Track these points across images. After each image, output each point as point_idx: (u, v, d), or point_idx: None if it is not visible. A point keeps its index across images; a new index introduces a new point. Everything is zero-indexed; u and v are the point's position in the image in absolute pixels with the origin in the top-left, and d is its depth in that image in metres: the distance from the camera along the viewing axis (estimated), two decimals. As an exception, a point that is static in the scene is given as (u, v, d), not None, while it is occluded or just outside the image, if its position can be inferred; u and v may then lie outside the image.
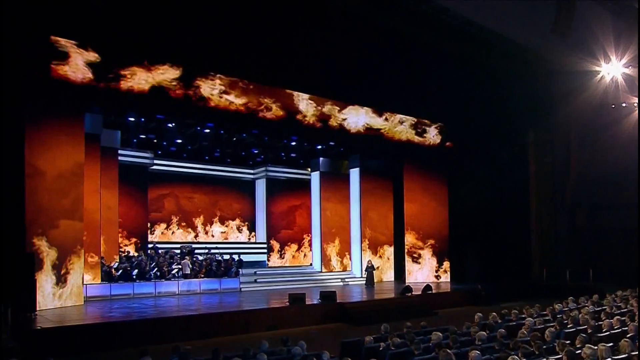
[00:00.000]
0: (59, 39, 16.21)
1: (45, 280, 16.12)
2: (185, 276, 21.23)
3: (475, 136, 24.76)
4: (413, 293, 19.37)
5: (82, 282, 17.53)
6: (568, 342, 8.33)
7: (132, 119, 21.57)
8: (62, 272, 16.67)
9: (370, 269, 22.99)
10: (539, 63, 21.60)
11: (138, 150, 24.60)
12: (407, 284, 20.61)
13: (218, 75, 19.40)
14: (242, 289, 21.85)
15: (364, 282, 23.59)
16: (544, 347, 8.25)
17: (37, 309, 15.43)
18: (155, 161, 25.75)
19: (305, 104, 21.81)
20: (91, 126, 20.06)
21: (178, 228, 27.71)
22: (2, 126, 15.33)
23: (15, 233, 15.33)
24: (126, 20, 16.73)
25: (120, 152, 23.03)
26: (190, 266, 21.68)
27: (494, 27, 19.65)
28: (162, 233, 27.22)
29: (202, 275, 21.75)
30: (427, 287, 19.88)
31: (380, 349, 8.82)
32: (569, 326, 10.41)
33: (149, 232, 25.93)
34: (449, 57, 21.43)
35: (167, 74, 18.18)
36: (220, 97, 19.55)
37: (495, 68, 22.37)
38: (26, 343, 12.21)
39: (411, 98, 23.57)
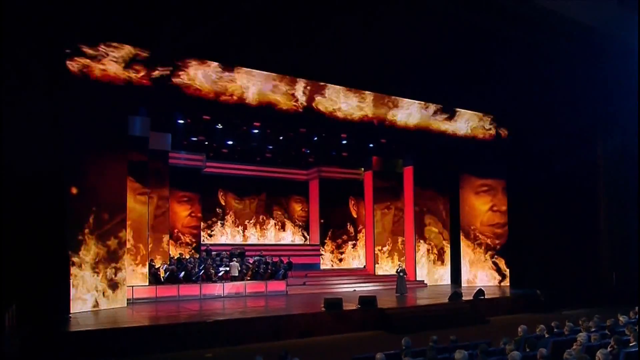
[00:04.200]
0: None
1: (84, 283, 15.46)
2: (233, 278, 20.20)
3: (536, 128, 22.24)
4: (464, 298, 17.34)
5: (125, 284, 16.89)
6: (623, 368, 6.37)
7: (181, 121, 20.77)
8: (103, 275, 16.03)
9: (401, 273, 19.79)
10: (606, 42, 18.91)
11: (190, 152, 23.90)
12: (456, 289, 18.40)
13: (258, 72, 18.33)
14: (290, 292, 20.55)
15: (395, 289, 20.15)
16: (592, 374, 6.32)
17: (73, 311, 14.87)
18: (208, 163, 25.01)
19: (352, 99, 20.32)
20: (140, 129, 19.61)
21: (232, 230, 26.80)
22: (43, 131, 14.78)
23: (52, 236, 14.69)
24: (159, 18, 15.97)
25: (172, 155, 22.57)
26: (239, 268, 20.63)
27: (554, 6, 17.40)
28: (215, 235, 26.36)
29: (249, 278, 20.64)
30: (480, 292, 17.75)
31: (388, 370, 7.15)
32: (631, 345, 8.27)
33: (202, 234, 25.20)
34: (506, 41, 19.29)
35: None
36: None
37: (556, 51, 19.86)
38: (48, 346, 11.63)
39: (467, 90, 21.51)
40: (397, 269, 19.67)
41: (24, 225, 13.60)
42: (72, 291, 15.14)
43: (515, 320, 15.13)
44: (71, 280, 15.11)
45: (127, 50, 15.87)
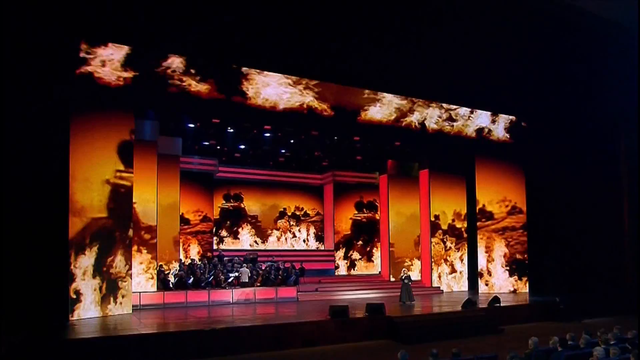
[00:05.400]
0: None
1: (87, 289, 14.95)
2: (243, 284, 19.54)
3: (556, 126, 21.08)
4: (480, 306, 16.36)
5: (130, 289, 16.27)
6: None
7: (191, 125, 20.29)
8: (107, 280, 15.47)
9: (406, 280, 17.95)
10: (628, 37, 17.81)
11: (202, 157, 23.44)
12: (470, 296, 17.30)
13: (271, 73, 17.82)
14: (301, 299, 19.80)
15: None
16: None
17: (74, 317, 14.37)
18: (220, 168, 24.51)
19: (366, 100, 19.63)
20: (148, 133, 19.25)
21: (245, 235, 26.17)
22: (46, 131, 14.36)
23: (49, 238, 14.16)
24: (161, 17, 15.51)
25: (184, 159, 22.21)
26: (249, 274, 19.94)
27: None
28: (228, 240, 25.76)
29: (259, 284, 19.95)
30: (495, 299, 16.72)
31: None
32: (652, 360, 7.33)
33: (215, 239, 24.65)
34: (525, 37, 18.39)
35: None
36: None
37: (577, 47, 18.81)
38: (43, 354, 11.10)
39: (485, 90, 20.63)
40: (402, 276, 18.28)
41: (18, 227, 13.15)
42: (73, 297, 14.63)
43: (532, 330, 14.27)
44: (72, 285, 14.58)
45: (130, 50, 15.48)
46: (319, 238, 27.73)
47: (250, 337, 12.78)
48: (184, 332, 12.62)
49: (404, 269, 18.21)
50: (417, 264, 24.50)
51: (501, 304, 16.72)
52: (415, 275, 23.52)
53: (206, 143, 22.39)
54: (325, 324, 13.72)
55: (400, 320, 14.22)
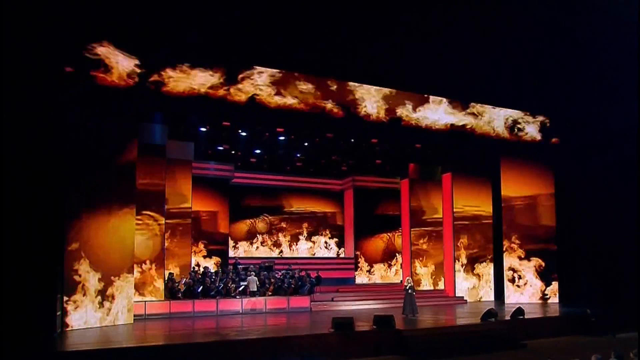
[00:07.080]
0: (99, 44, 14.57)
1: (84, 298, 14.20)
2: (252, 294, 18.41)
3: (585, 125, 19.50)
4: (500, 318, 14.81)
5: (129, 298, 15.40)
6: None
7: (203, 129, 19.49)
8: (107, 290, 14.74)
9: (410, 290, 16.22)
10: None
11: (218, 162, 22.65)
12: (491, 308, 15.60)
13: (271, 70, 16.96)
14: (316, 309, 18.57)
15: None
16: None
17: (67, 328, 13.61)
18: (236, 174, 23.61)
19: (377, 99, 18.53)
20: (156, 137, 18.57)
21: (263, 242, 25.14)
22: (45, 137, 13.65)
23: (46, 246, 13.34)
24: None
25: (198, 165, 21.61)
26: (258, 283, 18.80)
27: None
28: (246, 248, 24.78)
29: (270, 293, 18.80)
30: (518, 311, 15.07)
31: None
32: (693, 391, 5.84)
33: (230, 247, 23.69)
34: (550, 33, 17.03)
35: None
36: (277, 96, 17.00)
37: (604, 44, 17.25)
38: None
39: (507, 87, 19.18)
40: (406, 286, 16.50)
41: (12, 228, 12.38)
42: (71, 305, 13.86)
43: (558, 345, 12.79)
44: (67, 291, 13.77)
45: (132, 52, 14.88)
46: (339, 245, 26.52)
47: (243, 351, 11.66)
48: (172, 345, 11.63)
49: (407, 278, 16.70)
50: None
51: (525, 316, 15.09)
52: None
53: (220, 148, 21.58)
54: (327, 338, 12.46)
55: (411, 334, 12.82)
